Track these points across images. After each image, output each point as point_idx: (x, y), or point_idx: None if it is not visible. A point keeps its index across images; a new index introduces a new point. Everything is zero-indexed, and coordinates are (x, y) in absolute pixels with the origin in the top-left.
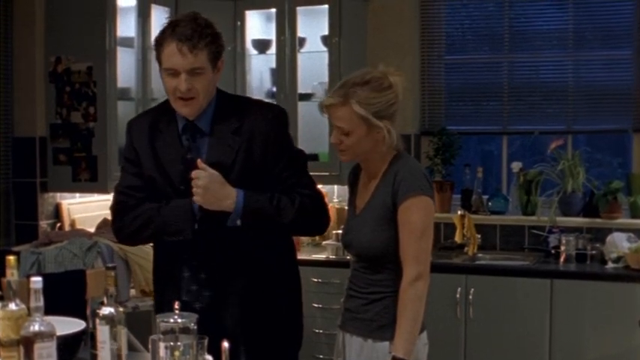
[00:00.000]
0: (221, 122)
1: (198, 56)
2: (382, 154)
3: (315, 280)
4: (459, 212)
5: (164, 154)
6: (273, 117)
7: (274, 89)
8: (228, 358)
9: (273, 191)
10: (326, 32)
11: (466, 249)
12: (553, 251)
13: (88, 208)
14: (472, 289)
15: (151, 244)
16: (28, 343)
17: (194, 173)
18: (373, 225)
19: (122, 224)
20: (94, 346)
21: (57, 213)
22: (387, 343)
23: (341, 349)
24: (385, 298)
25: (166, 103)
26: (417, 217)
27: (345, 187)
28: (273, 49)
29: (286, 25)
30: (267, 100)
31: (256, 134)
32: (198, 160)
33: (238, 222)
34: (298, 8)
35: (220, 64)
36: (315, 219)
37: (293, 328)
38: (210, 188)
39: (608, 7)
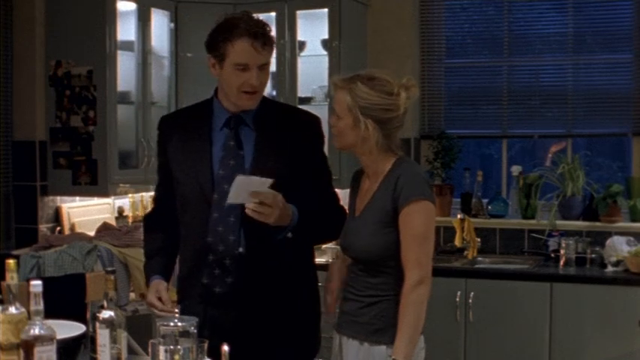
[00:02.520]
0: (264, 119)
1: (268, 52)
2: (377, 155)
3: None
4: (459, 216)
5: (192, 152)
6: (311, 122)
7: (274, 93)
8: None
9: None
10: (326, 36)
11: (466, 252)
12: (553, 255)
13: (87, 212)
14: (472, 293)
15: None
16: (28, 346)
17: (262, 197)
18: (372, 228)
19: (145, 232)
20: (94, 349)
21: (57, 216)
22: (383, 347)
23: (337, 352)
24: (382, 301)
25: (199, 105)
26: (419, 221)
27: (346, 191)
28: (273, 53)
29: (286, 29)
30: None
31: (297, 134)
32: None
33: (289, 234)
34: (298, 12)
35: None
36: (339, 229)
37: (311, 329)
38: (278, 206)
39: (607, 11)
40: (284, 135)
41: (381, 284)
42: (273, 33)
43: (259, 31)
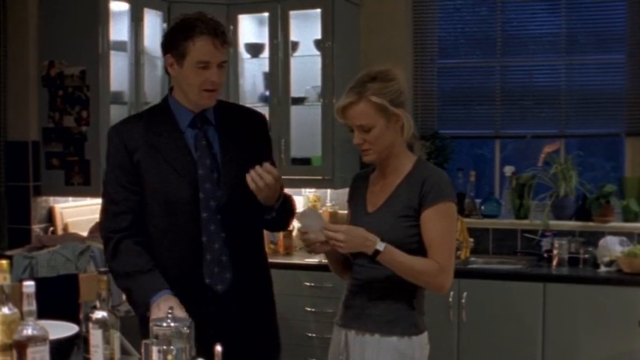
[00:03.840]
0: (221, 115)
1: (226, 50)
2: (404, 153)
3: (308, 284)
4: None
5: (171, 154)
6: (261, 119)
7: (267, 93)
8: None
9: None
10: (319, 36)
11: (459, 253)
12: (546, 255)
13: (80, 212)
14: (465, 293)
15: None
16: (20, 347)
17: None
18: (393, 221)
19: (112, 260)
20: (86, 350)
21: (50, 217)
22: (394, 338)
23: (343, 348)
24: (394, 293)
25: (154, 108)
26: (448, 221)
27: (338, 192)
28: (266, 53)
29: (279, 29)
30: (247, 105)
31: (251, 131)
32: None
33: (274, 215)
34: (291, 12)
35: None
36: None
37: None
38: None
39: (600, 12)
40: (242, 132)
41: (394, 276)
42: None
43: (219, 30)
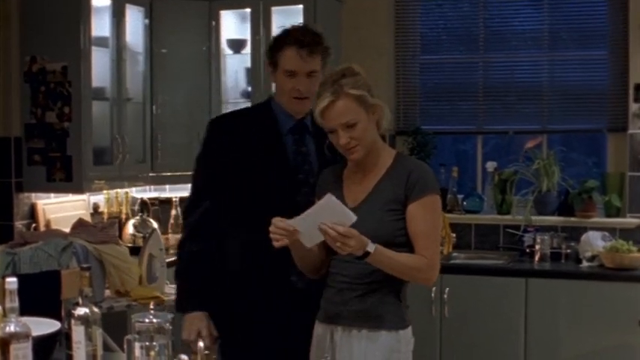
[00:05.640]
0: (316, 125)
1: (316, 60)
2: (383, 147)
3: None
4: None
5: (267, 155)
6: None
7: (249, 89)
8: (203, 357)
9: None
10: None
11: (441, 248)
12: (528, 250)
13: (63, 209)
14: (447, 288)
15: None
16: (3, 343)
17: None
18: (381, 215)
19: (187, 245)
20: (69, 346)
21: (32, 213)
22: (383, 332)
23: (328, 346)
24: (382, 288)
25: (257, 107)
26: (434, 214)
27: None
28: (248, 49)
29: (261, 25)
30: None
31: None
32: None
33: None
34: (273, 8)
35: (325, 71)
36: None
37: None
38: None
39: (583, 8)
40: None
41: (381, 271)
42: (324, 43)
43: (306, 40)
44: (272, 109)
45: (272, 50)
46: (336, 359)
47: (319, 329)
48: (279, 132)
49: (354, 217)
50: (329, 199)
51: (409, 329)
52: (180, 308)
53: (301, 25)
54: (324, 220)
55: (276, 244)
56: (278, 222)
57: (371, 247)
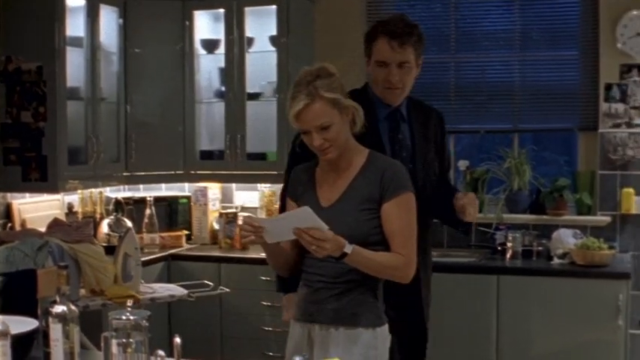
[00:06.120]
0: (413, 112)
1: (407, 51)
2: (355, 146)
3: (264, 278)
4: None
5: (359, 139)
6: (442, 117)
7: (223, 89)
8: (180, 353)
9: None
10: (274, 32)
11: None
12: (500, 248)
13: (38, 208)
14: None
15: None
16: None
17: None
18: (356, 215)
19: None
20: (46, 344)
21: (8, 213)
22: (360, 329)
23: (306, 345)
24: (358, 287)
25: (355, 92)
26: (409, 212)
27: None
28: (221, 49)
29: (234, 25)
30: (204, 101)
31: (436, 128)
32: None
33: None
34: (246, 8)
35: (421, 62)
36: None
37: None
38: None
39: (554, 8)
40: (430, 129)
41: (356, 270)
42: (418, 35)
43: (398, 31)
44: (369, 96)
45: (367, 40)
46: (314, 358)
47: (296, 328)
48: (376, 118)
49: (326, 229)
50: (305, 210)
51: (386, 327)
52: (282, 289)
53: (397, 15)
54: (297, 226)
55: (243, 240)
56: (247, 218)
57: (348, 249)
